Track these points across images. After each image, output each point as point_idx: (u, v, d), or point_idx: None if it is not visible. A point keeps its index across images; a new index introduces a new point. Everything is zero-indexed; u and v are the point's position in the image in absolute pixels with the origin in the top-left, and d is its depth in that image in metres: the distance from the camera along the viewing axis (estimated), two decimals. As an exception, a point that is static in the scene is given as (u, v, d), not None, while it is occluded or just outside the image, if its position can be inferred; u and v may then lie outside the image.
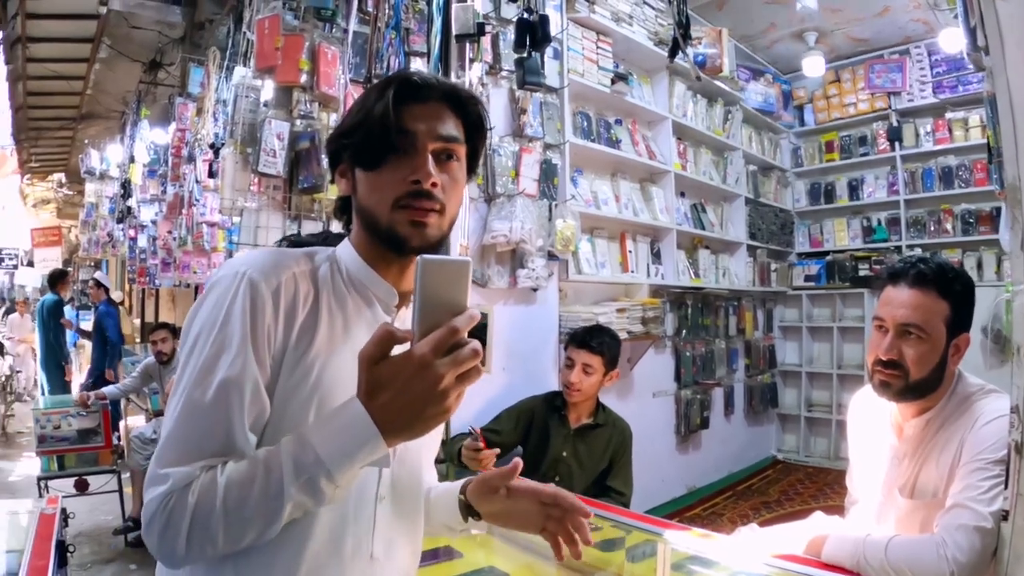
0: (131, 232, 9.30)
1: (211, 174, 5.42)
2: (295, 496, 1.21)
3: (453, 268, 1.19)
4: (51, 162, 14.04)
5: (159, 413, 6.97)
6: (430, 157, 1.39)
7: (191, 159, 6.24)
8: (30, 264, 21.86)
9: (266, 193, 3.96)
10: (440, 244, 1.43)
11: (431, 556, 2.85)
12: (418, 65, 4.25)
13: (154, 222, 8.66)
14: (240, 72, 4.43)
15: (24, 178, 16.97)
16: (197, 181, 5.95)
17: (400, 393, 1.16)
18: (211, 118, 5.79)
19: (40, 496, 5.69)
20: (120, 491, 6.28)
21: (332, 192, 3.98)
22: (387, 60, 4.18)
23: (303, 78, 4.00)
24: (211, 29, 6.67)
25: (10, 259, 23.99)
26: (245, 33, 4.78)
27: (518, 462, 1.56)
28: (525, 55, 4.19)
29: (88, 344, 10.51)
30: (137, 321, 15.02)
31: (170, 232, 7.38)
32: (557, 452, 3.89)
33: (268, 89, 4.12)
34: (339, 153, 1.50)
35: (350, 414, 1.19)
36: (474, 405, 4.22)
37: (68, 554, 2.81)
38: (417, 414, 1.17)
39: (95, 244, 12.47)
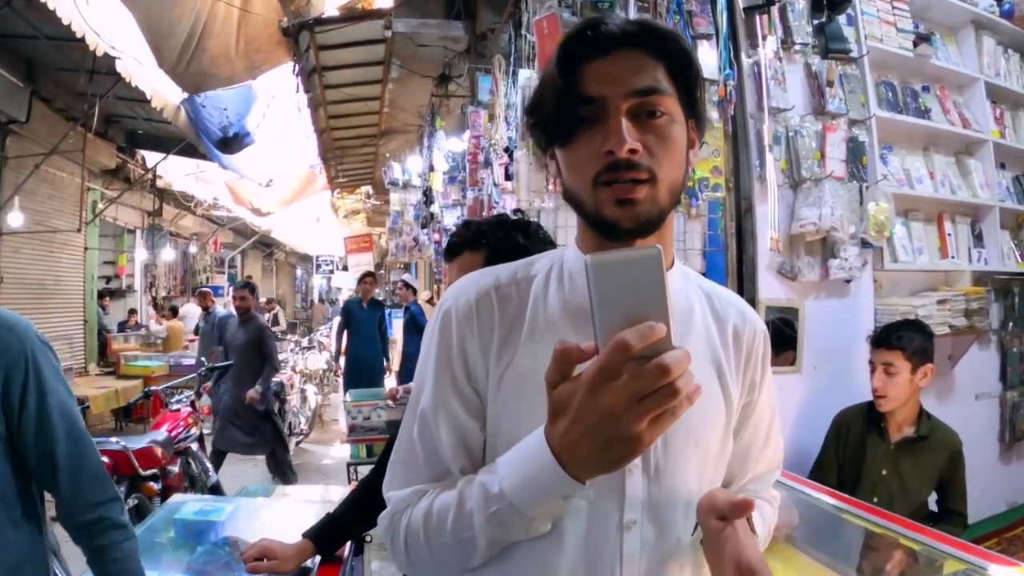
0: (435, 236, 9.66)
1: (507, 177, 5.49)
2: (485, 527, 1.17)
3: (634, 264, 0.96)
4: (357, 176, 14.94)
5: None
6: (624, 120, 1.19)
7: (487, 164, 6.36)
8: (344, 268, 23.63)
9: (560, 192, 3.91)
10: (660, 221, 1.25)
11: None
12: (704, 50, 4.01)
13: (456, 225, 8.81)
14: (525, 74, 4.43)
15: (334, 192, 18.20)
16: (495, 184, 6.05)
17: (575, 422, 1.00)
18: (502, 123, 5.87)
19: (349, 481, 6.02)
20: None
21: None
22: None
23: (588, 72, 3.91)
24: (493, 38, 6.79)
25: (327, 265, 26.13)
26: (526, 36, 4.79)
27: (749, 501, 1.20)
28: (824, 19, 3.91)
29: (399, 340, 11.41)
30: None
31: (473, 235, 7.46)
32: (875, 471, 3.45)
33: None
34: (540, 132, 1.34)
35: (533, 443, 1.09)
36: (783, 408, 3.93)
37: (365, 543, 2.89)
38: (598, 447, 1.00)
39: (402, 249, 13.17)
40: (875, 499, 3.28)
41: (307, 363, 13.23)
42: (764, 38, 4.03)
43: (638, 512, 1.26)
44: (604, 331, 0.96)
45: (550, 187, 3.88)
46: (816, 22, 4.01)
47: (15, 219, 10.17)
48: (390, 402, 6.25)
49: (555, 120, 1.26)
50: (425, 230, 10.41)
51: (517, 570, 1.25)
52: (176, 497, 4.22)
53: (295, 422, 10.95)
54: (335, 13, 7.22)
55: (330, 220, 22.61)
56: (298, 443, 10.75)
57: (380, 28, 7.07)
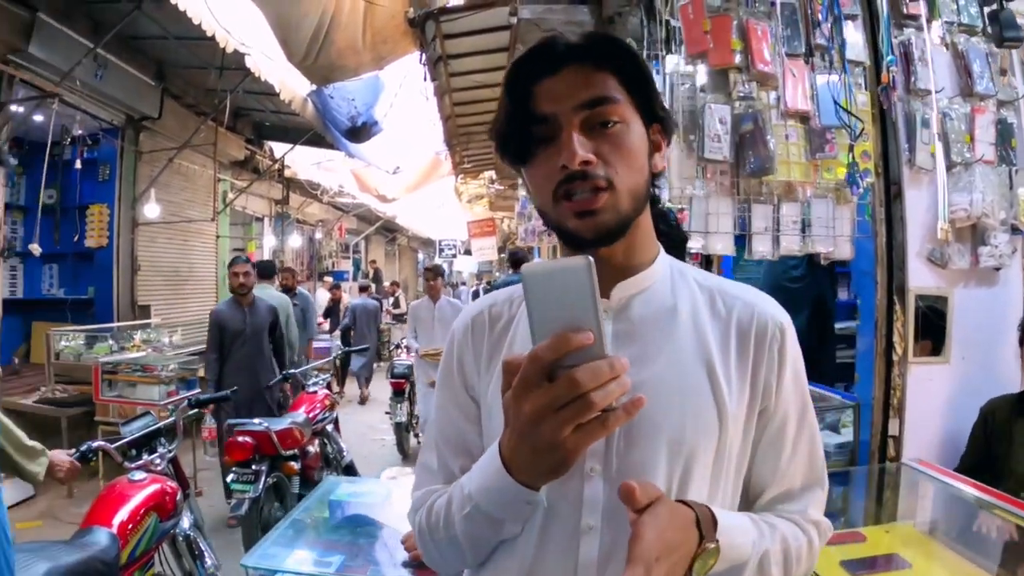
0: None
1: None
2: (462, 526, 1.26)
3: (564, 274, 0.99)
4: (481, 162, 14.95)
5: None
6: (575, 134, 1.22)
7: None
8: (467, 253, 23.86)
9: (713, 179, 3.77)
10: (623, 227, 1.27)
11: (868, 565, 2.67)
12: (849, 31, 3.84)
13: None
14: (672, 60, 4.29)
15: (458, 178, 18.31)
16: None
17: (511, 431, 1.09)
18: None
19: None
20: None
21: (781, 173, 3.72)
22: (822, 27, 3.82)
23: (737, 58, 3.76)
24: (621, 21, 6.66)
25: (449, 249, 26.36)
26: (668, 21, 4.64)
27: (629, 486, 1.09)
28: (997, 7, 3.68)
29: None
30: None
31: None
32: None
33: (702, 74, 3.92)
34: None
35: (492, 450, 1.18)
36: (931, 399, 3.81)
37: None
38: (529, 454, 1.07)
39: (531, 233, 13.17)
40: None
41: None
42: (912, 17, 3.90)
43: (597, 517, 1.24)
44: (538, 339, 1.00)
45: (707, 176, 3.76)
46: (989, 9, 3.82)
47: (151, 210, 10.54)
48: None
49: (515, 141, 1.30)
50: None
51: (495, 569, 1.32)
52: (329, 479, 4.52)
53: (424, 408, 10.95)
54: (460, 2, 7.19)
55: (453, 205, 22.76)
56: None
57: (505, 15, 7.01)
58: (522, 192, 13.54)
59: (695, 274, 1.42)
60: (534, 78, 1.27)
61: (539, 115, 1.25)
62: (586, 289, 0.98)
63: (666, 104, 4.54)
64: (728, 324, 1.34)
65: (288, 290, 9.70)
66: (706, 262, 7.19)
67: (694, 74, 3.91)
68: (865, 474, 3.77)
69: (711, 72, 3.87)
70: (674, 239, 2.14)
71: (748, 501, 1.39)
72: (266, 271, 9.53)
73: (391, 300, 20.42)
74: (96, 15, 8.64)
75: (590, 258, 0.98)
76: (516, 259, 11.15)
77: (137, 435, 4.14)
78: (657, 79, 5.41)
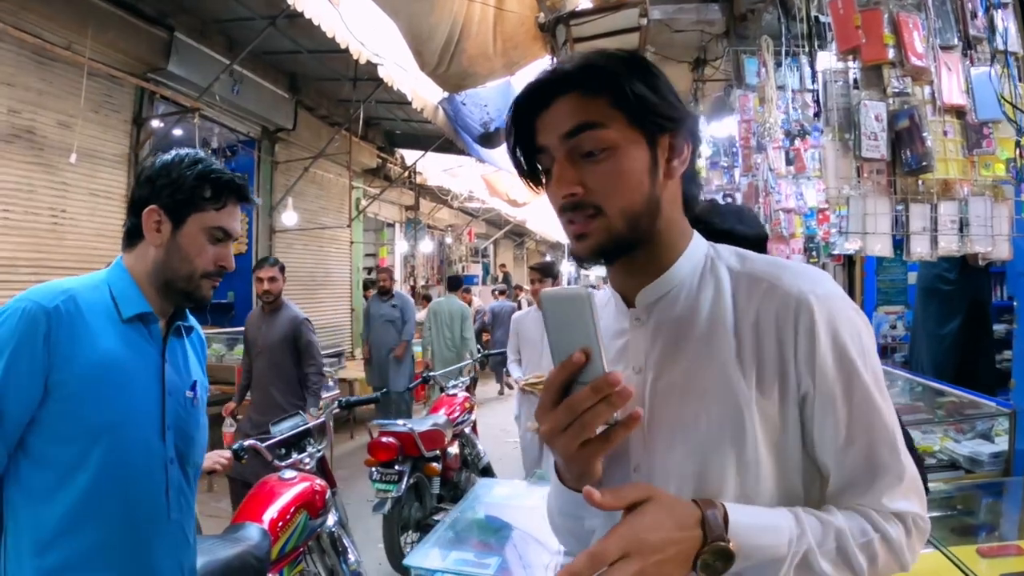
0: None
1: (788, 162, 5.38)
2: (560, 522, 1.48)
3: (569, 302, 1.15)
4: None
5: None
6: (563, 165, 1.27)
7: (760, 149, 6.06)
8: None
9: (870, 178, 3.59)
10: (621, 247, 1.30)
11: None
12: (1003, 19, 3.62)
13: None
14: (823, 57, 4.19)
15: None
16: (770, 170, 5.80)
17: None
18: (774, 106, 5.58)
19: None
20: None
21: (939, 171, 3.53)
22: (979, 17, 3.64)
23: (890, 53, 3.58)
24: (754, 19, 6.51)
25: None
26: (817, 17, 4.49)
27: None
28: None
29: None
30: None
31: (748, 222, 7.25)
32: None
33: (855, 71, 3.74)
34: None
35: None
36: None
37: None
38: (563, 466, 1.29)
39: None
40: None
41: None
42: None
43: None
44: (554, 355, 1.17)
45: (863, 175, 3.59)
46: None
47: (289, 217, 10.90)
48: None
49: (527, 171, 1.38)
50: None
51: None
52: (483, 481, 4.74)
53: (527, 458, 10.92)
54: (590, 5, 7.10)
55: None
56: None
57: (635, 17, 6.93)
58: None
59: (731, 260, 1.37)
60: (536, 110, 1.31)
61: (539, 146, 1.31)
62: (586, 316, 1.13)
63: (820, 102, 4.43)
64: (752, 311, 1.29)
65: (384, 292, 9.78)
66: (848, 263, 6.95)
67: (847, 71, 3.74)
68: (1021, 485, 3.54)
69: (864, 68, 3.69)
70: (750, 239, 2.00)
71: (828, 495, 1.30)
72: (453, 284, 10.33)
73: (520, 302, 20.47)
74: (230, 32, 9.04)
75: (589, 290, 1.14)
76: None
77: (287, 434, 4.22)
78: (794, 77, 5.27)
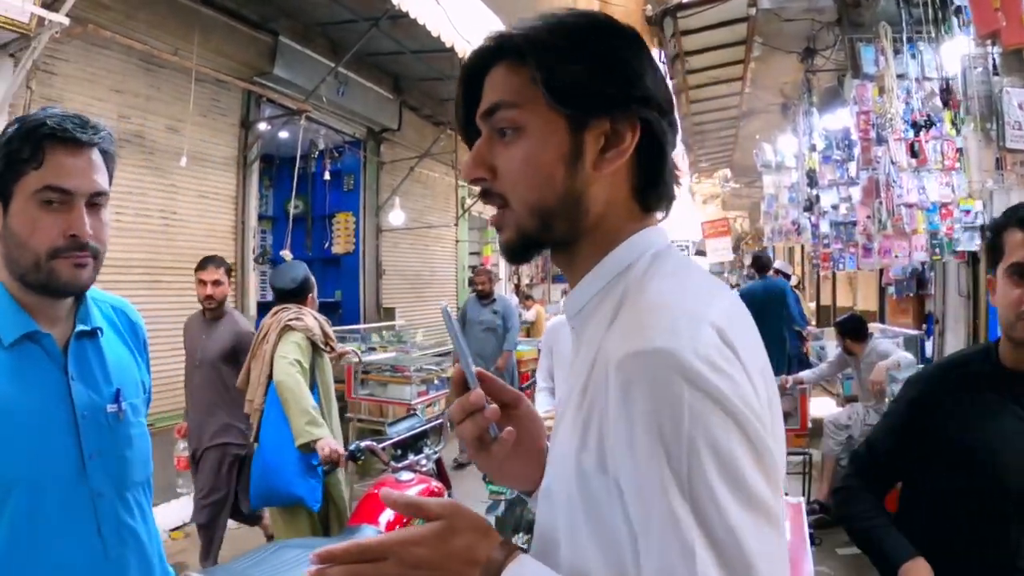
0: (813, 219, 9.48)
1: (913, 154, 5.19)
2: None
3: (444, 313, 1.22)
4: (716, 160, 14.68)
5: (851, 399, 7.28)
6: (482, 143, 1.15)
7: (880, 141, 5.84)
8: (699, 253, 23.44)
9: (1014, 170, 3.37)
10: (530, 245, 1.15)
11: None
12: None
13: (835, 207, 8.76)
14: (955, 42, 3.93)
15: (692, 177, 18.06)
16: (892, 163, 5.61)
17: None
18: (895, 96, 5.38)
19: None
20: (807, 473, 6.39)
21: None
22: None
23: (1033, 35, 3.37)
24: (868, 5, 6.32)
25: (682, 250, 26.04)
26: (943, 0, 4.30)
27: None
28: None
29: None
30: (812, 304, 16.14)
31: (869, 217, 7.13)
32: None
33: (995, 56, 3.54)
34: None
35: None
36: None
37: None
38: None
39: (779, 233, 12.72)
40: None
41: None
42: None
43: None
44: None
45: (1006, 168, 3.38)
46: None
47: (396, 217, 11.00)
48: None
49: (471, 140, 1.21)
50: (808, 213, 10.03)
51: None
52: None
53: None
54: (698, -3, 7.03)
55: (687, 205, 22.52)
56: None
57: (743, 7, 6.83)
58: (768, 191, 13.13)
59: (634, 289, 1.09)
60: (481, 78, 1.17)
61: (475, 119, 1.17)
62: (450, 330, 1.17)
63: (951, 90, 4.22)
64: (593, 362, 1.05)
65: (484, 296, 9.18)
66: (972, 261, 6.66)
67: (986, 56, 3.53)
68: None
69: (1005, 53, 3.48)
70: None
71: None
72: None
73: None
74: (333, 35, 9.20)
75: (444, 303, 1.22)
76: (761, 263, 10.03)
77: (404, 435, 4.20)
78: (914, 63, 5.06)
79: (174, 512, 6.35)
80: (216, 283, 5.21)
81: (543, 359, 5.09)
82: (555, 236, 1.13)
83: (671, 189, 1.17)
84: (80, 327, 1.79)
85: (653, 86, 1.11)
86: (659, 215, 1.19)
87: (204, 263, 5.27)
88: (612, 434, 0.96)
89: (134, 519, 1.82)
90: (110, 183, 1.75)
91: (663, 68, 8.23)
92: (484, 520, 1.07)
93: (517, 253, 1.17)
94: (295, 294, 4.50)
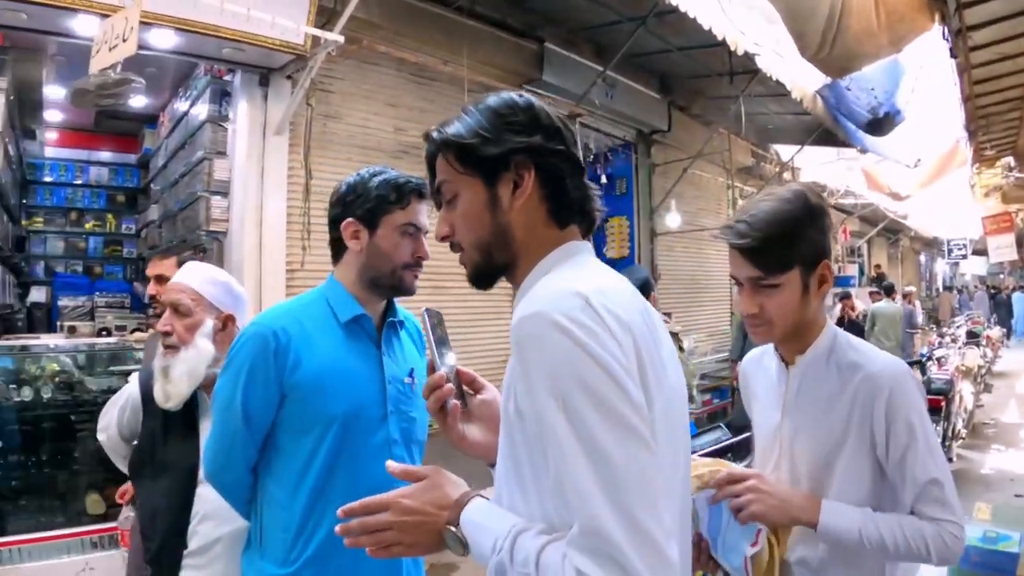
0: None
1: None
2: None
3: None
4: (1002, 146, 13.68)
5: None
6: (442, 212, 1.59)
7: None
8: (977, 253, 21.69)
9: None
10: (486, 273, 1.58)
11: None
12: None
13: None
14: None
15: (973, 167, 16.81)
16: None
17: None
18: None
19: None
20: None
21: None
22: None
23: None
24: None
25: (959, 250, 24.23)
26: None
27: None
28: None
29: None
30: None
31: None
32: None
33: None
34: None
35: None
36: None
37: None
38: None
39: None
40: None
41: (965, 359, 12.05)
42: None
43: None
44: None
45: None
46: None
47: (672, 220, 11.11)
48: None
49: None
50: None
51: None
52: None
53: (956, 424, 9.98)
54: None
55: (965, 198, 20.91)
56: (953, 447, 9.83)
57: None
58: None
59: (541, 282, 1.49)
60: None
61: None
62: (424, 328, 1.64)
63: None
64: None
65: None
66: None
67: None
68: None
69: None
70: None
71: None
72: (887, 289, 9.38)
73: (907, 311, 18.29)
74: (597, 38, 9.30)
75: (425, 308, 1.66)
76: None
77: (707, 449, 4.24)
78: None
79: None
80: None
81: (744, 397, 5.51)
82: (497, 262, 1.54)
83: (583, 205, 1.55)
84: (391, 318, 2.52)
85: (542, 135, 1.52)
86: (576, 228, 1.56)
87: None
88: (516, 380, 1.33)
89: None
90: None
91: (946, 45, 7.74)
92: (460, 479, 1.47)
93: (478, 281, 1.58)
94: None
